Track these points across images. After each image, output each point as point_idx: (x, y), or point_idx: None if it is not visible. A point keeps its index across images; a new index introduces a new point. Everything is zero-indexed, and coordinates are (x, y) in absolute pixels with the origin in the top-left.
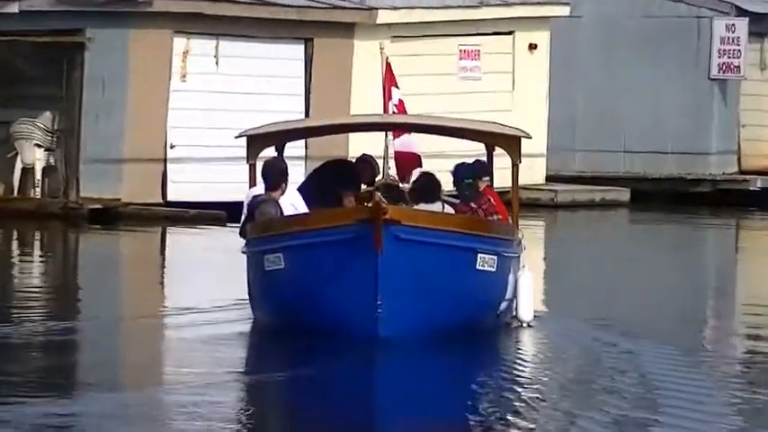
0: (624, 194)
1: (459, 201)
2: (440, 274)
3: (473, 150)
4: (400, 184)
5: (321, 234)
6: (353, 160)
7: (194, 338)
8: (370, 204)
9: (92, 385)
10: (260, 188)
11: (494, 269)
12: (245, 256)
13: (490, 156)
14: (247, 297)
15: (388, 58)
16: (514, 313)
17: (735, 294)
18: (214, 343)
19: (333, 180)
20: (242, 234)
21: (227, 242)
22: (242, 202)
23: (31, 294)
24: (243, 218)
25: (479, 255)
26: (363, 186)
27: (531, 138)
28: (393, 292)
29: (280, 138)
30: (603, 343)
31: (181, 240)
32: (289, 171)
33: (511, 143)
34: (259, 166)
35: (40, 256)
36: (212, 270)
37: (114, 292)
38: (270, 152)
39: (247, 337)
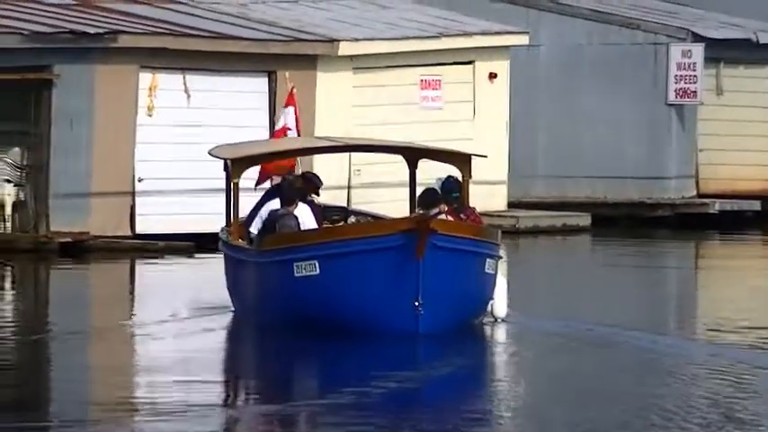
0: (585, 220)
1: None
2: (465, 277)
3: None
4: (315, 200)
5: (364, 242)
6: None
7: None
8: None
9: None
10: (275, 203)
11: (493, 271)
12: (255, 266)
13: (413, 174)
14: (234, 302)
15: (293, 87)
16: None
17: (696, 307)
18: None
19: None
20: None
21: (197, 271)
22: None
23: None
24: (256, 226)
25: (487, 259)
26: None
27: (486, 157)
28: (431, 293)
29: (264, 159)
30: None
31: (151, 270)
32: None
33: (463, 161)
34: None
35: (12, 289)
36: (186, 294)
37: (85, 318)
38: None
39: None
